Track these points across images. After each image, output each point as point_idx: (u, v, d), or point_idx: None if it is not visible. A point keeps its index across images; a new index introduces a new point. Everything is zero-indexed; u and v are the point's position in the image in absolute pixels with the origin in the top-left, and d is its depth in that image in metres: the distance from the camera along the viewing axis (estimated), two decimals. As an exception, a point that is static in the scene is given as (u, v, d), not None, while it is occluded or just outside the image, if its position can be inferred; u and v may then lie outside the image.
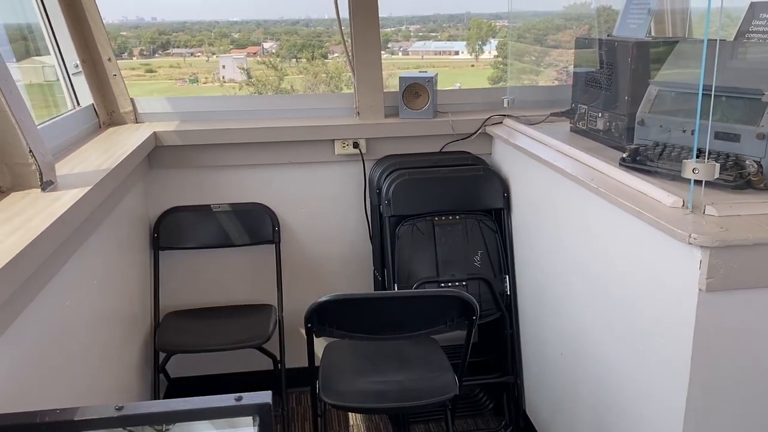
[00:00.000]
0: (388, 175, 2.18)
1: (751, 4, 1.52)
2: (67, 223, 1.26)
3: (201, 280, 2.38)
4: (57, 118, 1.94)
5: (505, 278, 2.16)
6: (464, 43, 2.48)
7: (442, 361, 1.89)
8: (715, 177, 1.25)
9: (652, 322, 1.33)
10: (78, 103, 2.13)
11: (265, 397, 0.75)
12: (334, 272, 2.45)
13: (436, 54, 2.54)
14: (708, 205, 1.21)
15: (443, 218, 2.19)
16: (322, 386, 1.75)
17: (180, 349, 2.04)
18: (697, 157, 1.24)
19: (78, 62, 2.12)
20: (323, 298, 1.57)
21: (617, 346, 1.54)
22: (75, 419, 0.75)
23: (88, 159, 1.74)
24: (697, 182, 1.24)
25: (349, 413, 2.43)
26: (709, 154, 1.31)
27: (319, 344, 1.77)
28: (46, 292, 1.31)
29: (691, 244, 1.11)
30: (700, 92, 1.22)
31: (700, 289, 1.11)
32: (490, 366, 2.34)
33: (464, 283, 2.14)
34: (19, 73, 2.08)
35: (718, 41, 1.35)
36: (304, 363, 1.82)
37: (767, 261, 1.12)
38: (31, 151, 1.36)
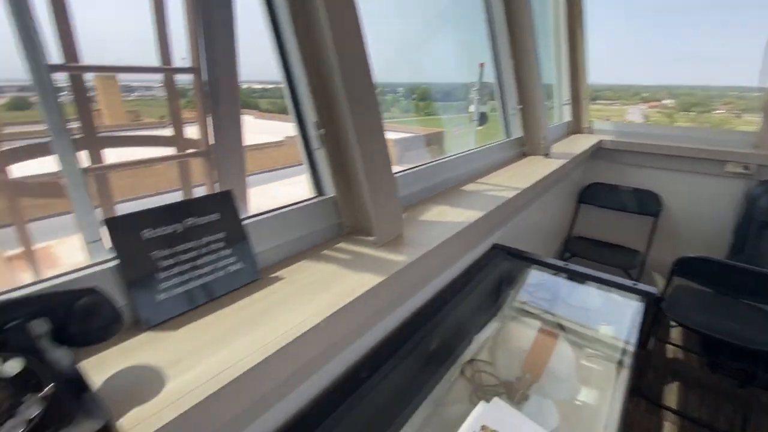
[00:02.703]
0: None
1: None
2: (554, 174, 1.79)
3: (598, 224, 2.82)
4: (557, 124, 2.68)
5: None
6: None
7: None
8: None
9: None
10: (561, 119, 2.85)
11: (652, 289, 0.90)
12: (691, 245, 2.65)
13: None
14: None
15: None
16: (667, 306, 1.91)
17: (578, 255, 2.70)
18: None
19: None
20: (692, 254, 1.78)
21: None
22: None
23: (565, 147, 2.35)
24: None
25: (679, 326, 2.04)
26: None
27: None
28: (535, 205, 1.91)
29: None
30: None
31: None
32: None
33: None
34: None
35: None
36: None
37: None
38: (543, 137, 1.97)
